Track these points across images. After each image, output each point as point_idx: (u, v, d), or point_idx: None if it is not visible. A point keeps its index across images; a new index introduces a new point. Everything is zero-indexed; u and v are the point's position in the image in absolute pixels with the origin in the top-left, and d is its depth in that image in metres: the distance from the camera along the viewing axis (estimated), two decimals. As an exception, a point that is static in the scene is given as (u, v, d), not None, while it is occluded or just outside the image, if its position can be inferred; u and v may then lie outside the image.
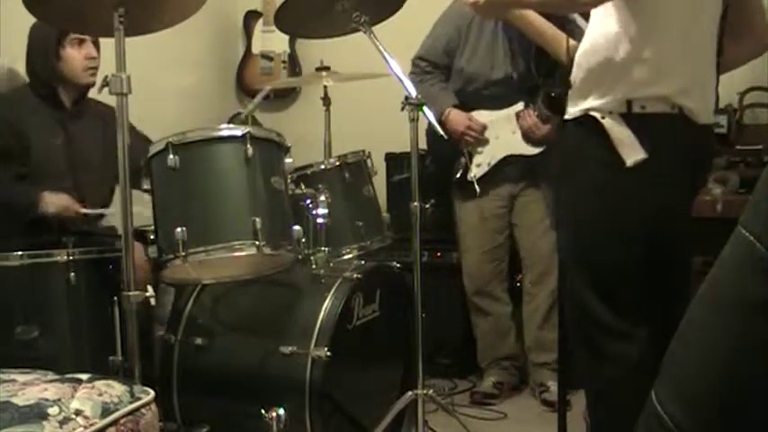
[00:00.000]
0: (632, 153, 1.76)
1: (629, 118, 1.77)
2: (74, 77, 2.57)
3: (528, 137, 3.05)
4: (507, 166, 3.11)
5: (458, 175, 3.15)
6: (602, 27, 1.81)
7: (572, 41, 1.97)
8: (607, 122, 1.78)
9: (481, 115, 3.13)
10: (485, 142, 3.12)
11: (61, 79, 2.58)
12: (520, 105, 3.09)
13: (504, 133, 3.10)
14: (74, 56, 2.55)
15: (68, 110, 2.63)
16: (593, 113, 1.81)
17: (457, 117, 3.11)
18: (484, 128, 3.11)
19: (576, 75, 1.86)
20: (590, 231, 1.87)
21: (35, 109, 2.55)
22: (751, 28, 1.93)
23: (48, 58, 2.53)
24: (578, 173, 1.88)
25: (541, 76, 2.98)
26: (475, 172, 3.09)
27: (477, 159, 3.13)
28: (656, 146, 1.76)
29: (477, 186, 3.06)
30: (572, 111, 1.86)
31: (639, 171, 1.76)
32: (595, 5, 1.81)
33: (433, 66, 3.22)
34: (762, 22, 1.94)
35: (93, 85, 2.60)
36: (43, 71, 2.56)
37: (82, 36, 2.54)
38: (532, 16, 2.17)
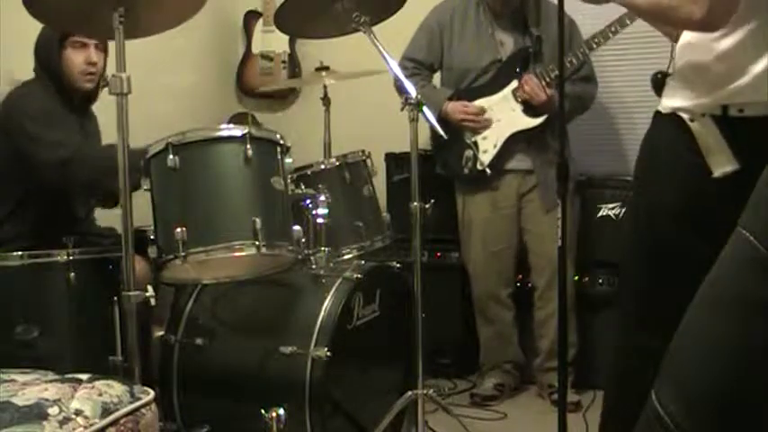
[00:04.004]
0: (721, 163, 1.60)
1: (724, 121, 1.61)
2: (72, 80, 2.52)
3: (529, 105, 3.05)
4: (514, 144, 3.11)
5: (466, 170, 3.14)
6: None
7: None
8: (695, 126, 1.63)
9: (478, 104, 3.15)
10: (487, 126, 3.12)
11: (64, 79, 2.54)
12: (514, 83, 3.10)
13: (504, 114, 3.11)
14: (72, 59, 2.50)
15: (79, 107, 2.59)
16: (681, 114, 1.66)
17: (453, 107, 3.13)
18: (481, 110, 3.12)
19: (676, 64, 1.70)
20: (667, 228, 1.71)
21: (52, 100, 2.51)
22: None
23: (51, 58, 2.50)
24: (665, 169, 1.73)
25: (537, 43, 2.96)
26: (483, 158, 3.10)
27: (483, 146, 3.12)
28: (753, 153, 1.52)
29: (488, 170, 3.06)
30: (665, 104, 1.71)
31: (732, 180, 1.58)
32: (712, 29, 1.57)
33: (420, 65, 3.24)
34: None
35: (90, 91, 2.56)
36: (51, 68, 2.51)
37: (85, 40, 2.49)
38: None
